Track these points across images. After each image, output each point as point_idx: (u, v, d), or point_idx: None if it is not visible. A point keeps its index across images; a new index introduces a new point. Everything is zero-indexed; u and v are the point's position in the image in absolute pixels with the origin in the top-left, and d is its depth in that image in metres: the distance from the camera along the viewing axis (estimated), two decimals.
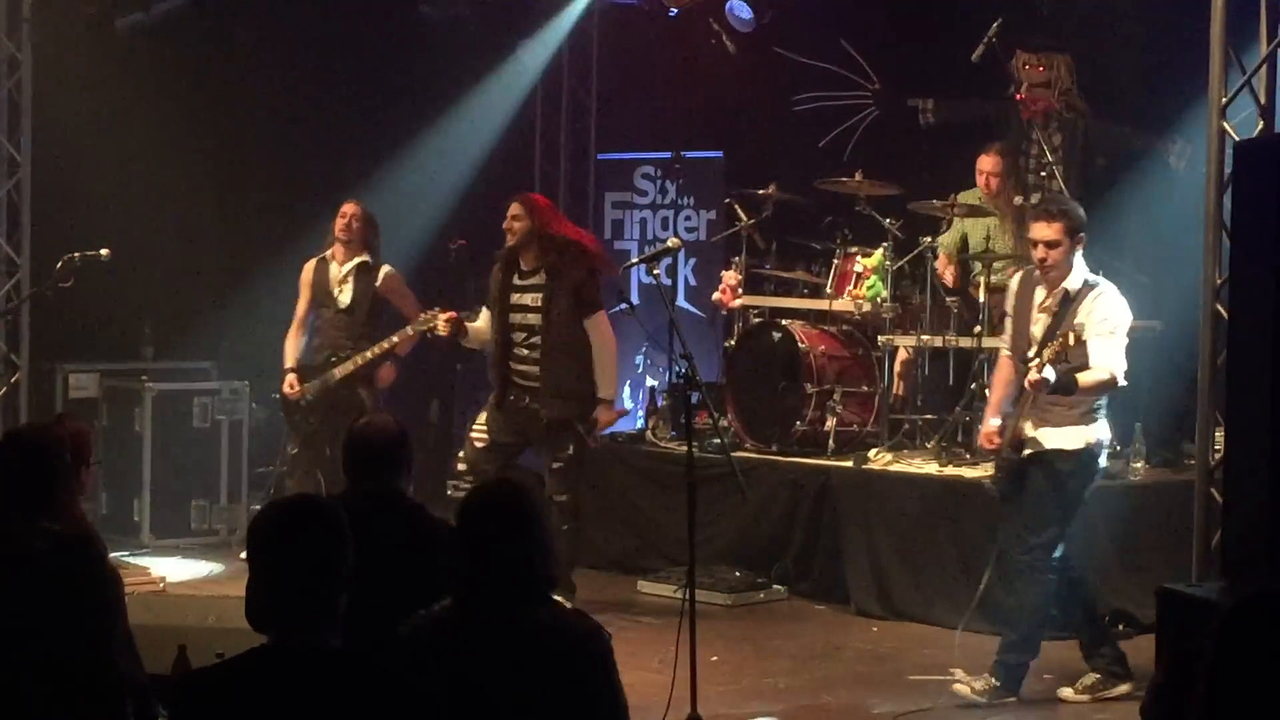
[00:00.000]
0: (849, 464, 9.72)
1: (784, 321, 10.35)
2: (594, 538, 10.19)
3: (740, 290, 10.70)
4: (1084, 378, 7.46)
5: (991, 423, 7.85)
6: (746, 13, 11.75)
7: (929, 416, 10.18)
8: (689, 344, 7.03)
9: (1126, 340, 7.65)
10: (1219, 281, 7.22)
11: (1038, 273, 7.76)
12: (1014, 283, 8.10)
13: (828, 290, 10.36)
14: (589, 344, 9.20)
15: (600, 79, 13.64)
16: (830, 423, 10.02)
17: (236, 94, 12.30)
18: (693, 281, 13.00)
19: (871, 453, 9.83)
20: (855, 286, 10.26)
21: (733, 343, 10.79)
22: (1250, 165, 5.55)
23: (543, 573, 4.31)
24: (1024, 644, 7.75)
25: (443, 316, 9.47)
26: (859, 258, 10.33)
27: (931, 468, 9.66)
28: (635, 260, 9.09)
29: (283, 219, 12.46)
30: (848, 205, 10.80)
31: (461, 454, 9.83)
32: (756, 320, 10.74)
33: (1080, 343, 7.45)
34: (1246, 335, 5.53)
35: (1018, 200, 10.59)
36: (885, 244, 10.34)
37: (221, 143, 12.31)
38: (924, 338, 10.09)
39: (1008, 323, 8.05)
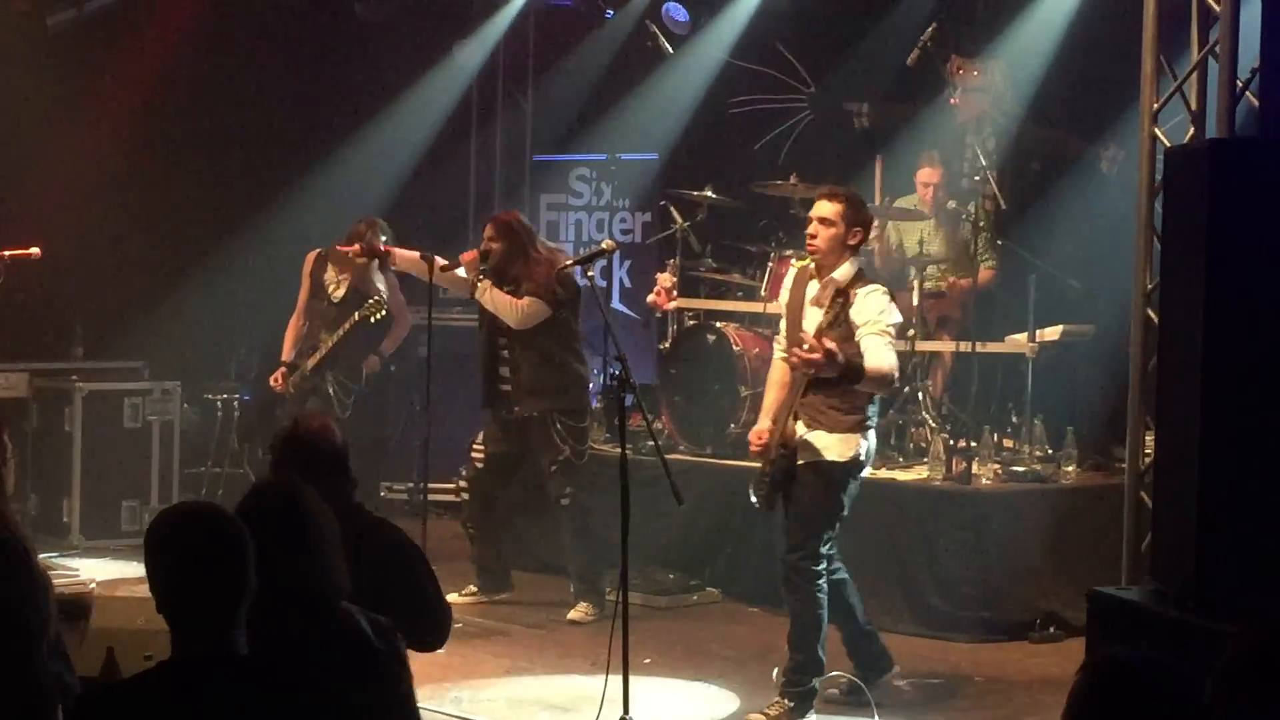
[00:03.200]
0: None
1: (718, 324, 10.35)
2: (528, 539, 10.19)
3: (675, 292, 10.70)
4: (870, 365, 7.23)
5: (763, 423, 7.61)
6: (683, 15, 11.76)
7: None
8: (623, 346, 7.03)
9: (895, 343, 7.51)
10: (1150, 286, 7.27)
11: (811, 267, 7.58)
12: (788, 279, 7.88)
13: (762, 293, 10.36)
14: (555, 341, 9.27)
15: (536, 80, 13.62)
16: None
17: (168, 93, 12.20)
18: (627, 283, 13.01)
19: None
20: None
21: (667, 345, 10.79)
22: (1181, 171, 5.59)
23: (312, 582, 4.17)
24: (811, 664, 7.56)
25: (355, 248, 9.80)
26: (793, 261, 10.34)
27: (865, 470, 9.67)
28: (570, 262, 9.07)
29: (215, 217, 12.42)
30: (782, 208, 10.83)
31: (463, 470, 9.91)
32: (691, 323, 10.75)
33: (852, 340, 7.30)
34: (1177, 340, 5.57)
35: (951, 204, 10.65)
36: None
37: (153, 141, 12.22)
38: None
39: (781, 322, 7.82)
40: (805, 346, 7.16)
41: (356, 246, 9.97)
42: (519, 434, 9.46)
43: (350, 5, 12.32)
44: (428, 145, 13.31)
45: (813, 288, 7.56)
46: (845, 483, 7.51)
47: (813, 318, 7.47)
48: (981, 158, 10.34)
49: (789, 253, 10.39)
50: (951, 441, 9.51)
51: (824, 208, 7.49)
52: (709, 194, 10.84)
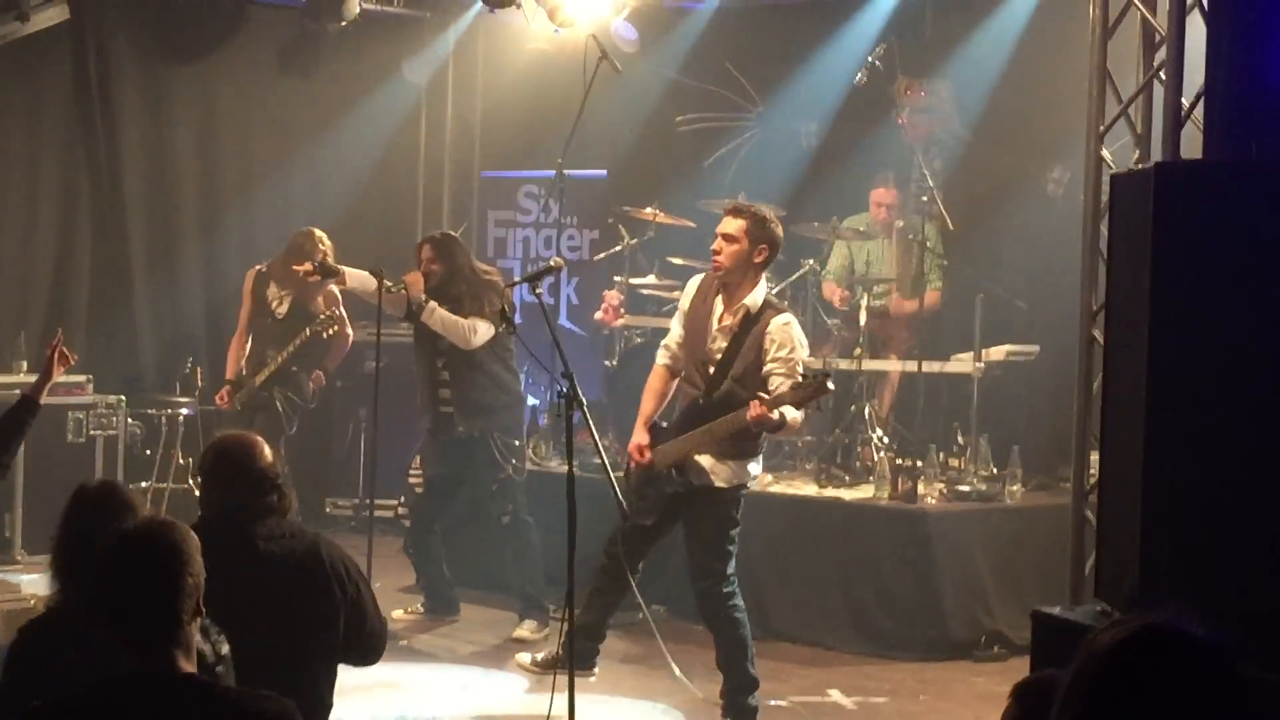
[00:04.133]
0: None
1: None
2: (472, 557, 10.15)
3: (623, 310, 10.71)
4: (790, 418, 7.24)
5: (640, 436, 7.61)
6: (632, 33, 11.77)
7: (808, 438, 10.23)
8: (570, 363, 7.02)
9: None
10: (1095, 307, 7.31)
11: (716, 280, 7.56)
12: (691, 285, 7.83)
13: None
14: (495, 359, 9.33)
15: (485, 96, 13.61)
16: None
17: (114, 107, 12.13)
18: (575, 300, 13.00)
19: None
20: None
21: (614, 362, 10.79)
22: (1127, 194, 5.63)
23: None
24: (746, 683, 7.61)
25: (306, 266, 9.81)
26: None
27: (811, 489, 9.71)
28: (518, 279, 9.09)
29: (161, 232, 12.34)
30: None
31: (402, 498, 9.92)
32: (638, 340, 10.75)
33: (760, 368, 7.33)
34: (1122, 360, 5.60)
35: (899, 224, 10.69)
36: None
37: (98, 155, 12.13)
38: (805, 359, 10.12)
39: (676, 325, 7.78)
40: (759, 403, 7.14)
41: (308, 265, 9.94)
42: (458, 455, 9.44)
43: (300, 21, 12.26)
44: (376, 161, 13.28)
45: (718, 306, 7.54)
46: (738, 503, 7.58)
47: (719, 341, 7.48)
48: (929, 178, 10.38)
49: None
50: (897, 461, 9.54)
51: (728, 224, 7.47)
52: (657, 212, 10.84)
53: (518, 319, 9.43)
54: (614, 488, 7.34)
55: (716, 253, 7.47)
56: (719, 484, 7.49)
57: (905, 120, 10.78)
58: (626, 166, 12.62)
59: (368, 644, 5.28)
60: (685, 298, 7.83)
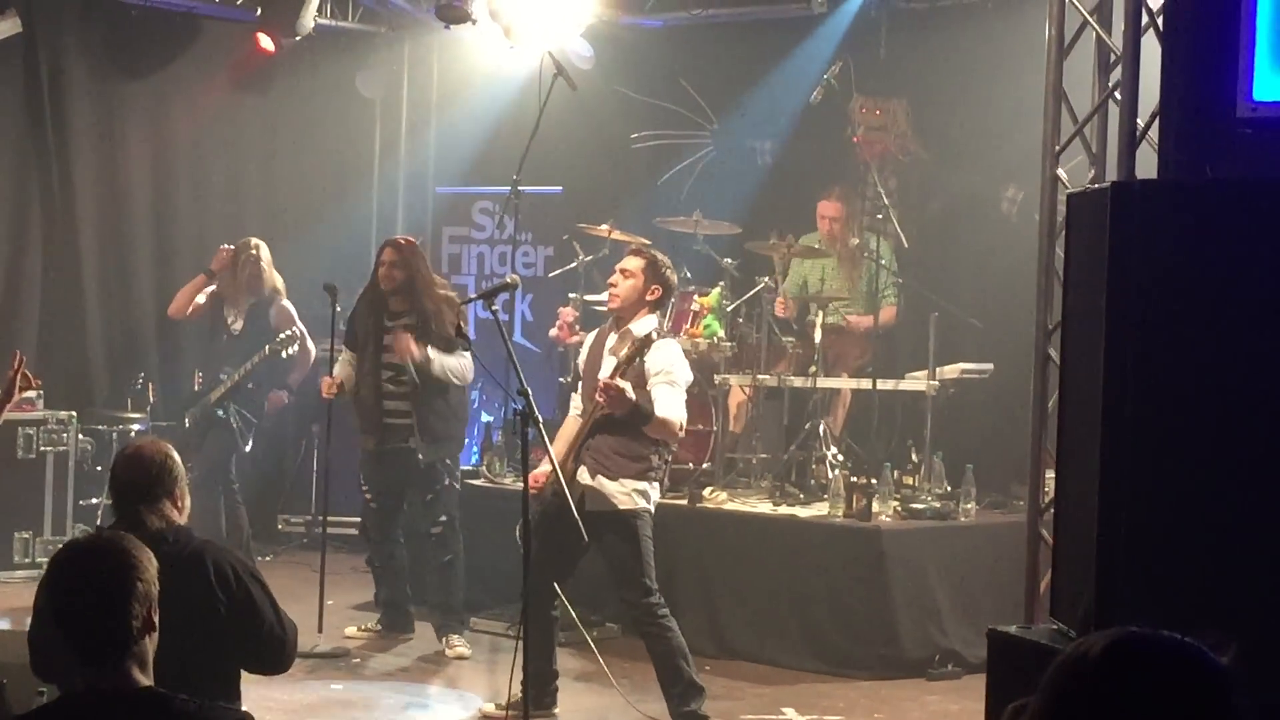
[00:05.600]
0: (683, 502, 9.73)
1: None
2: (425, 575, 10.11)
3: (578, 326, 10.69)
4: (660, 411, 7.55)
5: (544, 467, 7.75)
6: (587, 50, 11.77)
7: (763, 456, 10.23)
8: (525, 380, 7.01)
9: (684, 396, 7.77)
10: (1050, 325, 7.32)
11: (608, 324, 7.96)
12: (587, 341, 8.24)
13: (666, 327, 10.38)
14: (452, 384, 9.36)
15: (439, 111, 13.58)
16: None
17: (66, 121, 12.07)
18: (529, 317, 12.97)
19: (706, 491, 9.85)
20: (692, 325, 10.28)
21: (569, 379, 10.76)
22: (1082, 213, 5.64)
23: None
24: (691, 690, 7.71)
25: (325, 381, 9.61)
26: (695, 296, 10.37)
27: (765, 506, 9.70)
28: (474, 296, 9.08)
29: (112, 246, 12.27)
30: (685, 244, 10.85)
31: (360, 517, 9.92)
32: None
33: (644, 388, 7.57)
34: (1077, 379, 5.60)
35: (854, 242, 10.71)
36: (722, 283, 10.41)
37: (49, 168, 12.07)
38: (759, 377, 10.15)
39: (579, 384, 8.13)
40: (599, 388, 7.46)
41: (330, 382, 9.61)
42: (393, 464, 9.41)
43: (253, 34, 12.21)
44: (330, 176, 13.25)
45: (611, 340, 7.86)
46: (645, 524, 7.73)
47: (608, 365, 7.70)
48: (884, 196, 10.41)
49: (691, 288, 10.41)
50: (852, 478, 9.54)
51: (627, 261, 7.93)
52: (612, 229, 10.83)
53: (472, 335, 9.39)
54: (570, 506, 7.33)
55: (612, 285, 7.87)
56: (617, 507, 7.68)
57: (860, 139, 10.80)
58: (582, 183, 12.60)
59: (267, 649, 5.20)
60: (582, 352, 8.20)
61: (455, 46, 12.91)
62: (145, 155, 12.50)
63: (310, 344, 10.71)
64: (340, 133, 13.27)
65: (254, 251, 10.56)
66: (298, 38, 11.90)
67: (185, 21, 12.42)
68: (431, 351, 9.18)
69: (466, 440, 9.97)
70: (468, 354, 9.21)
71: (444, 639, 9.34)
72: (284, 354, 10.26)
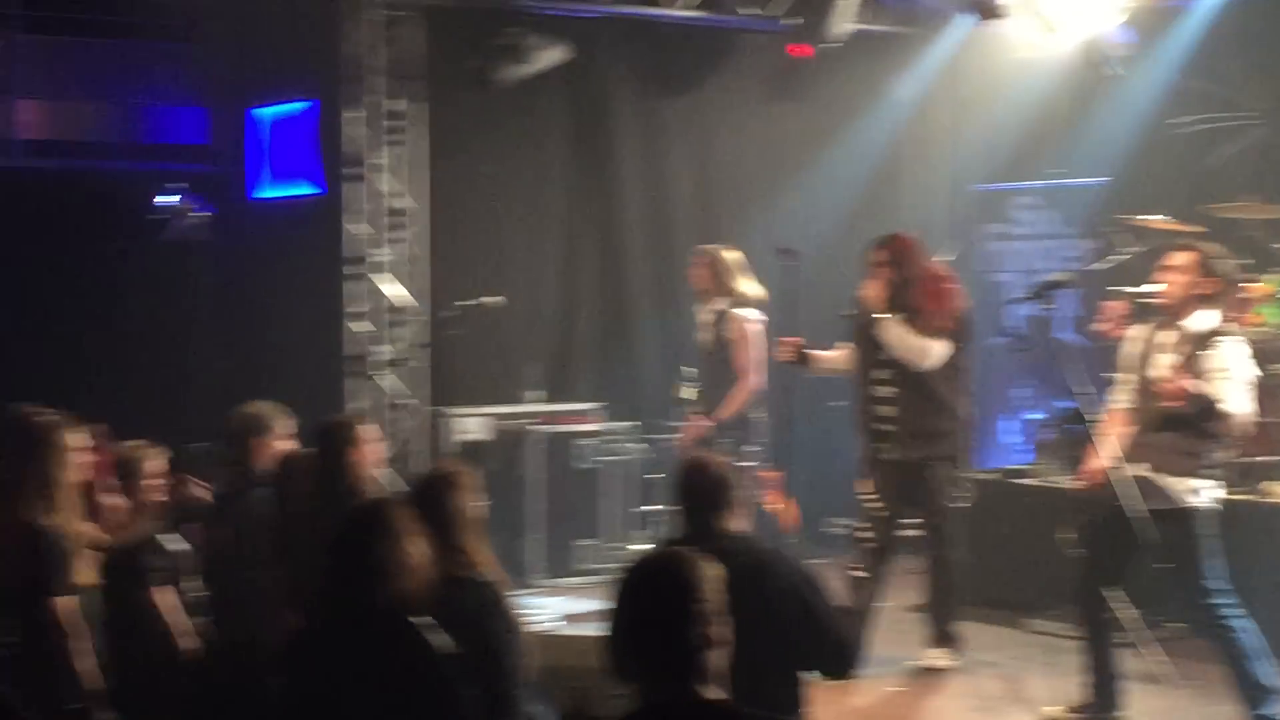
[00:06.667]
0: (1251, 497, 9.29)
1: None
2: (976, 575, 9.97)
3: (1127, 321, 10.38)
4: (1224, 406, 7.34)
5: (1100, 463, 7.65)
6: (1129, 36, 11.52)
7: None
8: (1075, 376, 6.89)
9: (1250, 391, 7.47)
10: None
11: (1162, 324, 7.69)
12: (1134, 334, 7.91)
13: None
14: (942, 380, 8.87)
15: (973, 108, 13.42)
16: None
17: (612, 141, 12.55)
18: (1075, 312, 12.69)
19: (1276, 485, 9.44)
20: (1246, 313, 9.83)
21: (1113, 374, 10.46)
22: None
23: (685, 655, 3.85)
24: (1262, 692, 7.46)
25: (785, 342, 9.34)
26: (1247, 284, 9.94)
27: None
28: (1026, 293, 8.82)
29: (659, 259, 12.64)
30: (1232, 231, 10.41)
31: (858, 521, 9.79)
32: None
33: (1207, 385, 7.32)
34: None
35: None
36: (1276, 269, 9.99)
37: (597, 189, 12.56)
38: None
39: (1123, 378, 7.83)
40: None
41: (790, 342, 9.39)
42: (897, 479, 8.98)
43: (784, 45, 12.35)
44: (865, 182, 13.24)
45: (1163, 336, 7.64)
46: (1205, 522, 7.52)
47: (1162, 361, 7.53)
48: None
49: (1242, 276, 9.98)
50: None
51: (1176, 257, 7.67)
52: (1166, 220, 10.48)
53: (1024, 332, 9.17)
54: (1122, 506, 7.21)
55: (1162, 281, 7.65)
56: (1180, 505, 7.50)
57: None
58: (1125, 172, 12.24)
59: (832, 653, 5.33)
60: (1130, 345, 7.88)
61: (985, 42, 12.74)
62: (686, 171, 12.86)
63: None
64: (874, 137, 13.29)
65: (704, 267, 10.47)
66: (832, 44, 11.97)
67: (719, 35, 12.68)
68: (893, 319, 8.78)
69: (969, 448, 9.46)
70: (941, 344, 8.74)
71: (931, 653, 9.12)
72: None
